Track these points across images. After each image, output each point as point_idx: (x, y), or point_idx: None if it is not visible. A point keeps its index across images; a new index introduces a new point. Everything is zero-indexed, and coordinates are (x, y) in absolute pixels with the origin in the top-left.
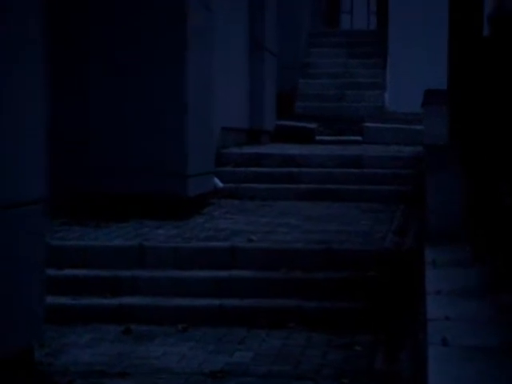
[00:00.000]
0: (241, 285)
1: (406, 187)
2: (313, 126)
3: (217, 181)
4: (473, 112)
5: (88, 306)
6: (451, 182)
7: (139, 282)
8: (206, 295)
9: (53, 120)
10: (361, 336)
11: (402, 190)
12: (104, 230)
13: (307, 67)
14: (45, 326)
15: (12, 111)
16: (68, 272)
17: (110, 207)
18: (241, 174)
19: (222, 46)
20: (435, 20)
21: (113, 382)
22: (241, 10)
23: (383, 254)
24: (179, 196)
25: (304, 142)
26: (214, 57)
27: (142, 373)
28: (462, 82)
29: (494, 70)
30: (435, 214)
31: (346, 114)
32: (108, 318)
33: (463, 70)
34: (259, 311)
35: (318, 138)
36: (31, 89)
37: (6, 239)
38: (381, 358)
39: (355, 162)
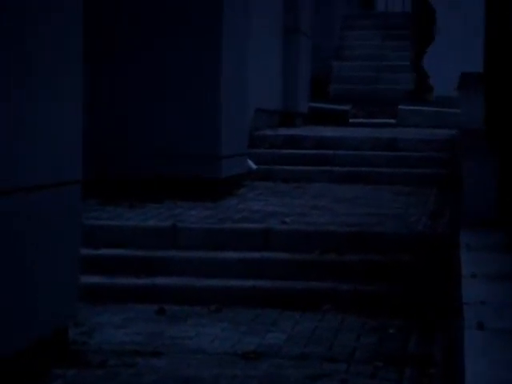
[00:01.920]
0: (274, 266)
1: (440, 170)
2: (346, 108)
3: (250, 163)
4: (509, 96)
5: (122, 285)
6: (487, 167)
7: (172, 262)
8: (239, 276)
9: (91, 105)
10: (394, 319)
11: (436, 173)
12: (138, 211)
13: (342, 50)
14: (79, 306)
15: (57, 97)
16: (102, 252)
17: (145, 189)
18: (275, 156)
19: (257, 27)
20: (472, 2)
21: (146, 362)
22: None
23: (417, 237)
24: (213, 177)
25: (338, 124)
26: (249, 38)
27: (175, 353)
28: (498, 66)
29: None
30: (471, 198)
31: (380, 96)
32: (141, 297)
33: (500, 54)
34: (292, 293)
35: (351, 120)
36: (71, 76)
37: (45, 218)
38: (414, 341)
39: (389, 145)
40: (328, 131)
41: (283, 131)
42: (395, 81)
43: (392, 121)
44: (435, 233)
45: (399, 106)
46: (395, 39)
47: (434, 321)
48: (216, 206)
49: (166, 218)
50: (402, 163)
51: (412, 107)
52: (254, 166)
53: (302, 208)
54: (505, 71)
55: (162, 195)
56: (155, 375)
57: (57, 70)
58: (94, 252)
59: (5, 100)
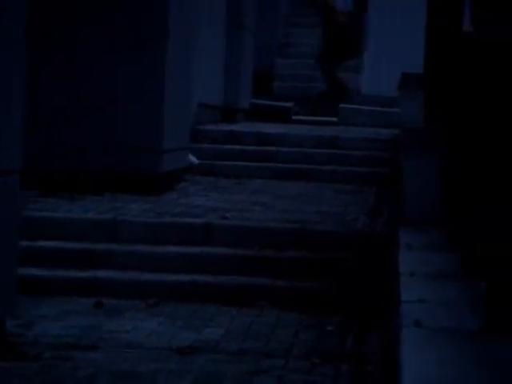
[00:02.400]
0: (213, 262)
1: (381, 169)
2: (289, 105)
3: (192, 157)
4: (448, 96)
5: (60, 278)
6: (427, 166)
7: (112, 255)
8: (178, 271)
9: (31, 96)
10: (332, 317)
11: (377, 172)
12: (78, 203)
13: (285, 47)
14: (17, 298)
15: None
16: (41, 244)
17: (85, 182)
18: (216, 151)
19: (201, 22)
20: (414, 2)
21: (82, 355)
22: None
23: (355, 235)
24: (153, 171)
25: (280, 121)
26: (192, 33)
27: (111, 346)
28: (437, 67)
29: (470, 55)
30: (411, 197)
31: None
32: (80, 290)
33: (439, 54)
34: (231, 288)
35: (294, 117)
36: (8, 64)
37: None
38: (352, 339)
39: (331, 143)
40: (270, 128)
41: (225, 126)
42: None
43: (334, 119)
44: (373, 231)
45: (340, 105)
46: None
47: (371, 319)
48: (156, 200)
49: (106, 210)
50: (343, 161)
51: (354, 106)
52: (195, 161)
53: (242, 204)
54: (444, 70)
55: (103, 188)
56: (91, 369)
57: None
58: (33, 244)
59: None
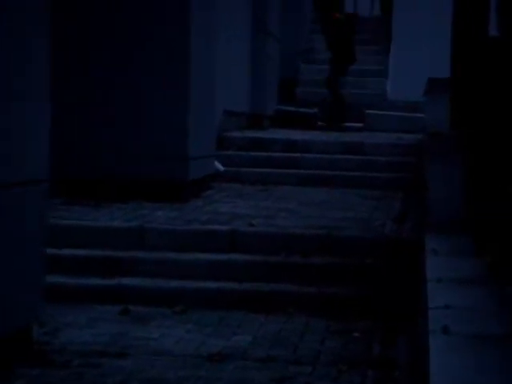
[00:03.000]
0: (240, 268)
1: (406, 175)
2: (314, 111)
3: (218, 164)
4: (475, 101)
5: (87, 285)
6: (453, 171)
7: (138, 263)
8: (205, 278)
9: (58, 106)
10: (359, 323)
11: (403, 177)
12: (104, 211)
13: (309, 53)
14: (44, 305)
15: (19, 97)
16: (68, 251)
17: (112, 190)
18: (242, 158)
19: (226, 29)
20: (441, 8)
21: (111, 362)
22: None
23: (381, 241)
24: (180, 179)
25: (305, 127)
26: (217, 40)
27: (139, 354)
28: (464, 71)
29: (497, 61)
30: (437, 202)
31: (348, 100)
32: (106, 298)
33: (466, 60)
34: (258, 295)
35: (319, 123)
36: (36, 78)
37: (10, 217)
38: (379, 344)
39: (356, 149)
40: (296, 134)
41: (251, 133)
42: (363, 85)
43: (359, 125)
44: (400, 237)
45: (367, 111)
46: (364, 43)
47: (398, 325)
48: (183, 208)
49: (132, 218)
50: (368, 167)
51: (380, 112)
52: (221, 168)
53: (268, 210)
54: (470, 76)
55: (129, 196)
56: (120, 376)
57: (24, 72)
58: (59, 252)
59: None
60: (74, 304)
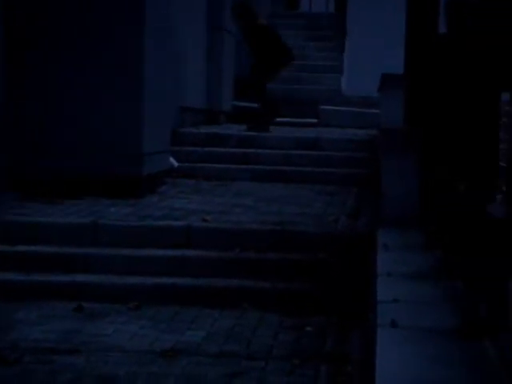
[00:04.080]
0: (194, 264)
1: (360, 170)
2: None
3: (172, 160)
4: (427, 98)
5: (39, 282)
6: (406, 167)
7: (92, 259)
8: (160, 274)
9: (9, 101)
10: (312, 318)
11: (357, 173)
12: (57, 207)
13: None
14: None
15: None
16: (20, 248)
17: (64, 186)
18: (197, 154)
19: (181, 25)
20: (394, 4)
21: (62, 359)
22: None
23: (335, 236)
24: (134, 174)
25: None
26: (173, 37)
27: (92, 350)
28: (417, 68)
29: (445, 58)
30: (389, 198)
31: (303, 96)
32: (60, 295)
33: (418, 56)
34: (212, 291)
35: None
36: None
37: None
38: (331, 339)
39: (311, 144)
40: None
41: (206, 129)
42: (318, 81)
43: (314, 121)
44: (354, 232)
45: (321, 106)
46: (319, 40)
47: (351, 319)
48: (137, 204)
49: (86, 214)
50: (323, 163)
51: (334, 107)
52: (175, 164)
53: (223, 206)
54: (422, 73)
55: (83, 192)
56: (72, 373)
57: None
58: (11, 248)
59: None
60: (27, 301)
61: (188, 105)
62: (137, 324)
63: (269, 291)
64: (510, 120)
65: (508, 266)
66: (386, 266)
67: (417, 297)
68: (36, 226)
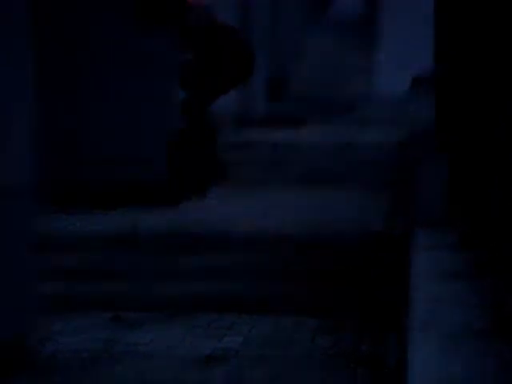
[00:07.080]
0: (231, 269)
1: (394, 172)
2: (304, 111)
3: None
4: (459, 100)
5: (77, 292)
6: (439, 168)
7: (130, 267)
8: (196, 280)
9: (44, 113)
10: (350, 320)
11: (391, 174)
12: (96, 217)
13: (300, 52)
14: (37, 313)
15: None
16: (60, 258)
17: (102, 195)
18: (233, 158)
19: None
20: (427, 4)
21: (103, 368)
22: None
23: (372, 238)
24: (169, 181)
25: (296, 125)
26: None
27: (132, 359)
28: (448, 69)
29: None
30: (424, 199)
31: (337, 97)
32: (97, 304)
33: (450, 57)
34: (248, 296)
35: (309, 121)
36: (18, 82)
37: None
38: (368, 342)
39: (345, 147)
40: (285, 133)
41: (242, 133)
42: (351, 81)
43: (349, 122)
44: (390, 234)
45: (355, 108)
46: (351, 41)
47: (388, 321)
48: (173, 210)
49: (124, 222)
50: (358, 165)
51: (368, 108)
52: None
53: (259, 210)
54: (454, 74)
55: (119, 200)
56: (115, 381)
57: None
58: (49, 258)
59: None
60: (65, 311)
61: (220, 109)
62: (174, 331)
63: (305, 295)
64: None
65: None
66: (420, 266)
67: (451, 297)
68: (74, 236)
